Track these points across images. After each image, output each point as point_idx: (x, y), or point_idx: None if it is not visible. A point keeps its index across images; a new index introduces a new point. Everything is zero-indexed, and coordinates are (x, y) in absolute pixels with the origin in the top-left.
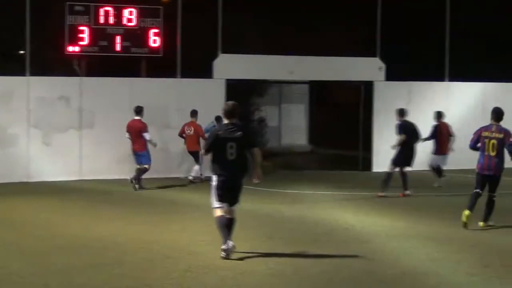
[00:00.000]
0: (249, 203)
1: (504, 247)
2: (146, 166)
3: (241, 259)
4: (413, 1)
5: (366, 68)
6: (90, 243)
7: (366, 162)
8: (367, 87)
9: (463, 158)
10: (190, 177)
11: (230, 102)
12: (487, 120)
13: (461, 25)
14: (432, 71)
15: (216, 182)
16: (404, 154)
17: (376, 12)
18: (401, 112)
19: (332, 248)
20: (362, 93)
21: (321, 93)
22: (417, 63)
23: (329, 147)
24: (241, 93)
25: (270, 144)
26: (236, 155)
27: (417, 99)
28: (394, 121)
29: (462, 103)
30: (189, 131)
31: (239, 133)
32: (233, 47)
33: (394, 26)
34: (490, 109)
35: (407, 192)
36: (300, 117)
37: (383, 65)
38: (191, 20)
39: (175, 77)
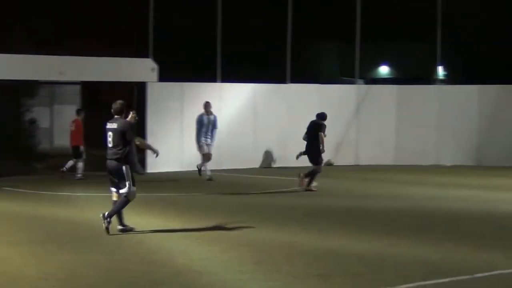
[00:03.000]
0: (20, 207)
1: (274, 245)
2: None
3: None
4: (183, 4)
5: (139, 69)
6: None
7: (141, 164)
8: (140, 88)
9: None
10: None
11: (117, 101)
12: (258, 119)
13: (233, 27)
14: (205, 72)
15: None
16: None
17: (148, 13)
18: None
19: (108, 251)
20: (135, 94)
21: (94, 94)
22: (190, 64)
23: (104, 148)
24: (9, 93)
25: (41, 145)
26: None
27: (190, 99)
28: (167, 121)
29: (233, 103)
30: None
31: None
32: None
33: (167, 27)
34: (261, 108)
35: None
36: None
37: (155, 66)
38: None
39: None
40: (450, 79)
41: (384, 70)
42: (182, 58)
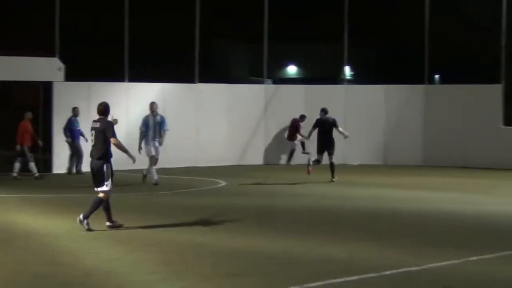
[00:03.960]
0: None
1: (184, 245)
2: None
3: None
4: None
5: (45, 68)
6: None
7: (47, 164)
8: (47, 87)
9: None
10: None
11: (101, 102)
12: (167, 119)
13: (141, 26)
14: (113, 72)
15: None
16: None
17: (54, 12)
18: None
19: (15, 253)
20: (42, 93)
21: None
22: (97, 63)
23: (11, 149)
24: None
25: None
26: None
27: (97, 99)
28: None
29: (142, 103)
30: None
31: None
32: None
33: (73, 26)
34: (170, 108)
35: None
36: None
37: (62, 65)
38: None
39: None
40: (357, 79)
41: (292, 70)
42: (90, 57)
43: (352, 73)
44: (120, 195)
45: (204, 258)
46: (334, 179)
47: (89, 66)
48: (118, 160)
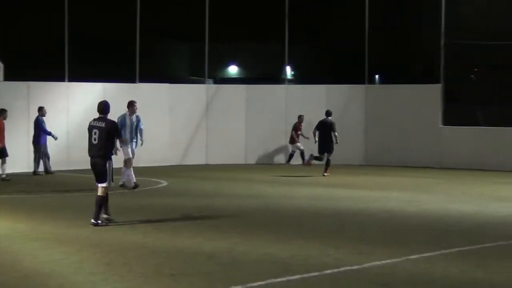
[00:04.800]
0: None
1: (125, 245)
2: None
3: None
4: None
5: None
6: None
7: None
8: None
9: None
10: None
11: (101, 101)
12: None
13: (80, 27)
14: (53, 71)
15: None
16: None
17: None
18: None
19: None
20: None
21: None
22: (37, 63)
23: None
24: None
25: None
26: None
27: (36, 99)
28: (13, 121)
29: (82, 103)
30: None
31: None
32: None
33: (13, 25)
34: (110, 108)
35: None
36: None
37: (1, 65)
38: None
39: None
40: (299, 79)
41: (233, 70)
42: (29, 57)
43: (293, 73)
44: (62, 195)
45: (146, 258)
46: (325, 174)
47: (29, 66)
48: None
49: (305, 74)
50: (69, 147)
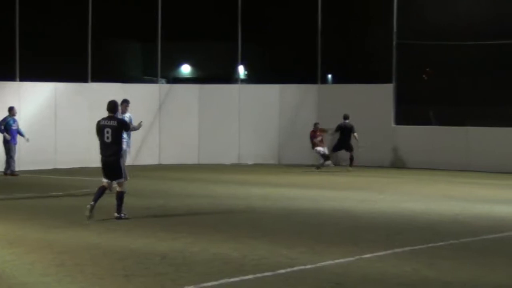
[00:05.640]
0: None
1: (78, 246)
2: None
3: None
4: None
5: None
6: None
7: None
8: None
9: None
10: None
11: (110, 101)
12: (59, 119)
13: (31, 26)
14: (4, 71)
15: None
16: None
17: None
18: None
19: None
20: None
21: None
22: None
23: None
24: None
25: None
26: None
27: None
28: None
29: (34, 102)
30: None
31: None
32: None
33: None
34: (62, 108)
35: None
36: None
37: None
38: None
39: None
40: (252, 78)
41: (186, 69)
42: None
43: (246, 72)
44: (16, 197)
45: (98, 259)
46: (350, 169)
47: None
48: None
49: (259, 73)
50: (21, 149)
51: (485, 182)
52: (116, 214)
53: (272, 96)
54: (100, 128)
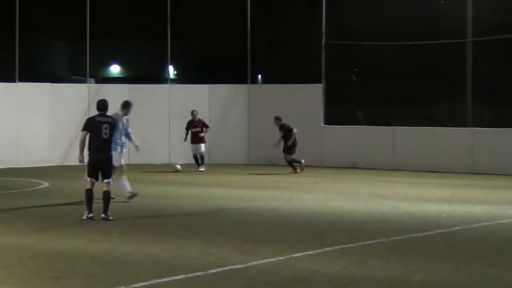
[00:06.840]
0: None
1: (4, 248)
2: None
3: None
4: None
5: None
6: None
7: None
8: None
9: None
10: None
11: (102, 99)
12: None
13: None
14: None
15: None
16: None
17: None
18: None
19: None
20: None
21: None
22: None
23: None
24: None
25: None
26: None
27: None
28: None
29: None
30: None
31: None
32: None
33: None
34: None
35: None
36: None
37: None
38: None
39: None
40: (182, 78)
41: (115, 69)
42: None
43: (176, 72)
44: None
45: (26, 260)
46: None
47: None
48: None
49: (188, 73)
50: None
51: (412, 181)
52: (103, 215)
53: (202, 96)
54: (96, 124)
